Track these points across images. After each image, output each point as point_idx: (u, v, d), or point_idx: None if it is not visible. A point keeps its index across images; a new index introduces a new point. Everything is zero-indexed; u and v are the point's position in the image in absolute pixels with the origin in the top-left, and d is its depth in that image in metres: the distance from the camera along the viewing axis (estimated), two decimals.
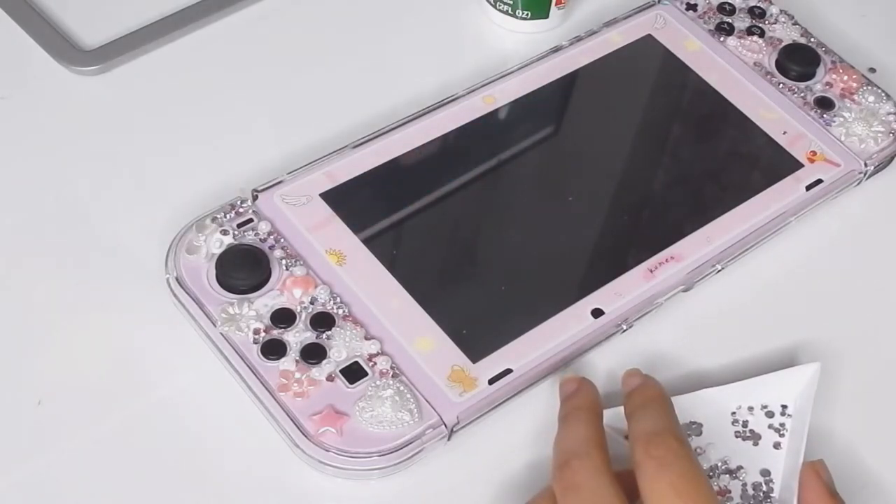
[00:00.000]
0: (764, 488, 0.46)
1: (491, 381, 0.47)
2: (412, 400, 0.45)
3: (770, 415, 0.48)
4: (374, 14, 0.62)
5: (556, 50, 0.59)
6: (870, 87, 0.59)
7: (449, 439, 0.46)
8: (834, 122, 0.57)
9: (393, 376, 0.46)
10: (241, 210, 0.50)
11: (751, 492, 0.45)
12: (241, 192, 0.51)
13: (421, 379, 0.46)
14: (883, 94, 0.59)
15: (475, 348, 0.47)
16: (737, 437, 0.47)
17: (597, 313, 0.49)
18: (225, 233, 0.49)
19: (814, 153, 0.56)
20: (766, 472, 0.46)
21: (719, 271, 0.52)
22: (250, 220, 0.50)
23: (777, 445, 0.47)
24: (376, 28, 0.62)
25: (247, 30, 0.60)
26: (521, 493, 0.46)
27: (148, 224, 0.52)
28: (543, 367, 0.48)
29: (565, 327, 0.49)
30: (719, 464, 0.46)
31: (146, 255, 0.50)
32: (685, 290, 0.51)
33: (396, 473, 0.45)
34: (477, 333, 0.48)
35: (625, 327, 0.49)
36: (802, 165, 0.56)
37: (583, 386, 0.47)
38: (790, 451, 0.46)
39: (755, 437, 0.47)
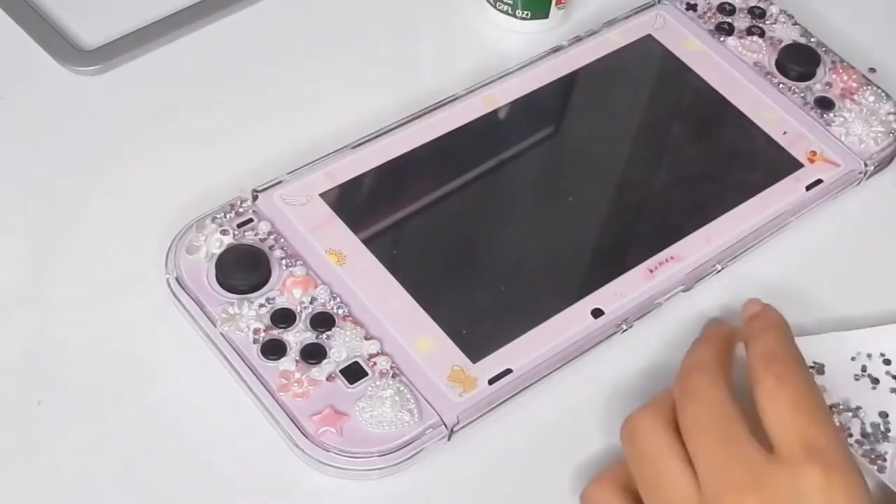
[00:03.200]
0: (882, 428, 0.47)
1: (491, 381, 0.47)
2: (412, 400, 0.45)
3: (887, 363, 0.49)
4: (374, 14, 0.62)
5: (556, 50, 0.59)
6: (870, 87, 0.59)
7: (449, 439, 0.46)
8: (834, 122, 0.57)
9: (393, 376, 0.46)
10: (241, 210, 0.50)
11: (869, 430, 0.47)
12: (241, 192, 0.51)
13: (421, 379, 0.46)
14: (883, 94, 0.59)
15: (475, 348, 0.47)
16: (856, 379, 0.48)
17: (597, 313, 0.49)
18: (225, 233, 0.49)
19: (814, 153, 0.56)
20: (884, 414, 0.48)
21: (719, 271, 0.52)
22: (250, 220, 0.50)
23: (894, 391, 0.48)
24: (376, 28, 0.62)
25: (247, 30, 0.60)
26: (520, 493, 0.46)
27: (148, 224, 0.52)
28: (543, 367, 0.48)
29: (565, 327, 0.49)
30: (840, 402, 0.48)
31: (146, 255, 0.50)
32: (685, 290, 0.51)
33: (396, 473, 0.45)
34: (477, 333, 0.48)
35: (625, 327, 0.49)
36: (802, 165, 0.56)
37: (721, 326, 0.48)
38: None
39: (874, 382, 0.49)
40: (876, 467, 0.46)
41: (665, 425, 0.42)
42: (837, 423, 0.47)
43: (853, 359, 0.49)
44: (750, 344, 0.45)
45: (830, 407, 0.48)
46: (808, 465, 0.39)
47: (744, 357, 0.46)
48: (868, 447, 0.47)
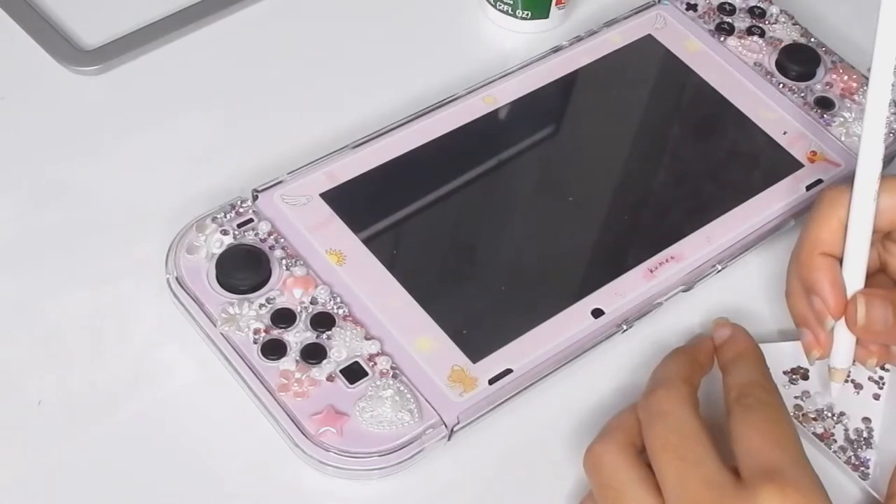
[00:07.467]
0: (865, 434, 0.48)
1: (491, 381, 0.47)
2: (412, 400, 0.45)
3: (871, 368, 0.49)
4: (374, 14, 0.62)
5: (556, 50, 0.59)
6: None
7: (449, 439, 0.46)
8: (834, 122, 0.57)
9: (393, 376, 0.46)
10: (241, 210, 0.50)
11: (853, 436, 0.48)
12: (241, 192, 0.51)
13: (421, 379, 0.46)
14: None
15: (475, 348, 0.47)
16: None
17: (597, 313, 0.49)
18: (225, 233, 0.49)
19: (814, 153, 0.56)
20: (866, 420, 0.48)
21: (719, 271, 0.52)
22: (250, 220, 0.50)
23: (876, 396, 0.49)
24: (376, 28, 0.62)
25: (246, 30, 0.60)
26: (520, 494, 0.46)
27: (148, 224, 0.52)
28: (543, 367, 0.48)
29: (565, 327, 0.49)
30: (824, 408, 0.48)
31: (146, 255, 0.50)
32: (685, 290, 0.51)
33: (396, 473, 0.45)
34: (477, 333, 0.48)
35: (625, 327, 0.49)
36: (802, 165, 0.56)
37: (695, 342, 0.49)
38: (889, 402, 0.48)
39: (857, 387, 0.49)
40: (859, 474, 0.46)
41: (628, 453, 0.43)
42: (822, 430, 0.48)
43: None
44: (724, 374, 0.46)
45: (816, 412, 0.48)
46: (764, 485, 0.40)
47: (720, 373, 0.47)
48: (851, 454, 0.47)
